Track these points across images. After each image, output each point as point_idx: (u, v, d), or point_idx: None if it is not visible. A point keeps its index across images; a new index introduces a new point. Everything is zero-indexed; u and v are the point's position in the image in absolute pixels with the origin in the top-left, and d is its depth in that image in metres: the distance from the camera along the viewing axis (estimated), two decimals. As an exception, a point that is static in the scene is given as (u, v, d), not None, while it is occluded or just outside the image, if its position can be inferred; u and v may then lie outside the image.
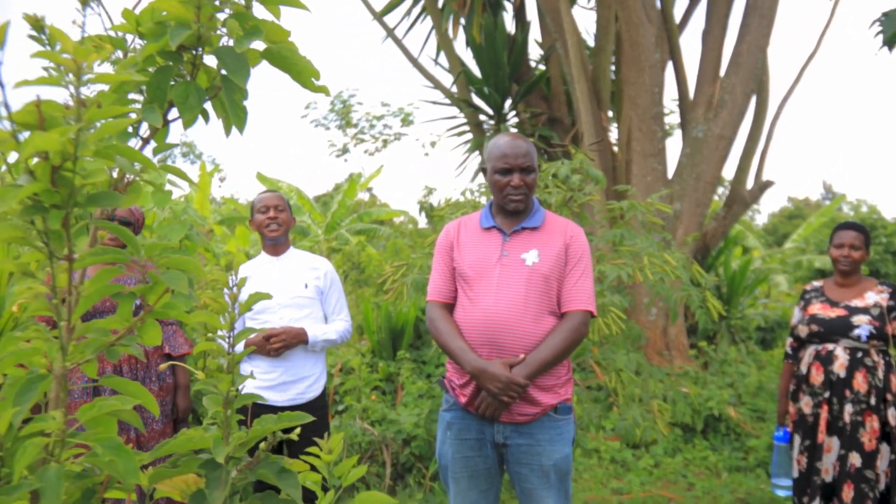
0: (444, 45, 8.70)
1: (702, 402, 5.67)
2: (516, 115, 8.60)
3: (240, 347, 3.08)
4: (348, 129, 17.65)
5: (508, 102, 8.50)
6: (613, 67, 8.00)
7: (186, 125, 1.32)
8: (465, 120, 8.75)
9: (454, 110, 8.82)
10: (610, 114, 7.91)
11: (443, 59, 9.17)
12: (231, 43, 1.30)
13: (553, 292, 2.58)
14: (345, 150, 17.96)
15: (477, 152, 8.65)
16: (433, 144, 17.83)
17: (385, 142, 16.90)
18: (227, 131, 1.38)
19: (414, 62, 8.63)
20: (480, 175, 8.59)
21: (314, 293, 3.29)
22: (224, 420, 1.36)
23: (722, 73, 7.02)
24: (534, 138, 8.36)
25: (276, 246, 3.35)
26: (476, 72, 8.45)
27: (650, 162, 6.88)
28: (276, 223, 3.30)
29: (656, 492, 4.72)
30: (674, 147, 39.34)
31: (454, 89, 8.77)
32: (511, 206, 2.63)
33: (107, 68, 1.21)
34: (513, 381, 2.42)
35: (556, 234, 2.65)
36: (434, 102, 8.95)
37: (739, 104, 6.90)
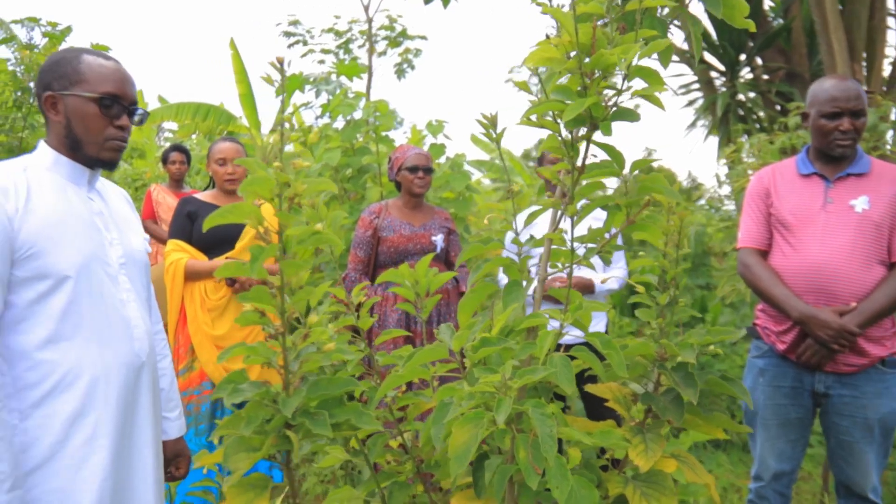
0: (676, -1, 8.40)
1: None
2: (751, 70, 8.15)
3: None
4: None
5: (742, 58, 8.08)
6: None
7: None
8: (694, 77, 8.44)
9: (682, 67, 8.52)
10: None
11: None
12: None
13: (884, 241, 2.48)
14: (544, 115, 17.96)
15: (708, 111, 8.31)
16: (637, 106, 17.39)
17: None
18: (698, 54, 1.44)
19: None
20: (713, 135, 8.27)
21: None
22: (659, 330, 1.46)
23: None
24: (771, 94, 7.92)
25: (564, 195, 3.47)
26: (708, 26, 8.09)
27: (916, 117, 6.27)
28: None
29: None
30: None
31: (684, 45, 8.46)
32: (838, 151, 2.54)
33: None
34: (845, 328, 2.37)
35: (887, 180, 2.54)
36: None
37: None
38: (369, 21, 8.36)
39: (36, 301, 1.49)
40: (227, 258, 3.25)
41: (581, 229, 3.49)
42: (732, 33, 7.77)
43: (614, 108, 1.13)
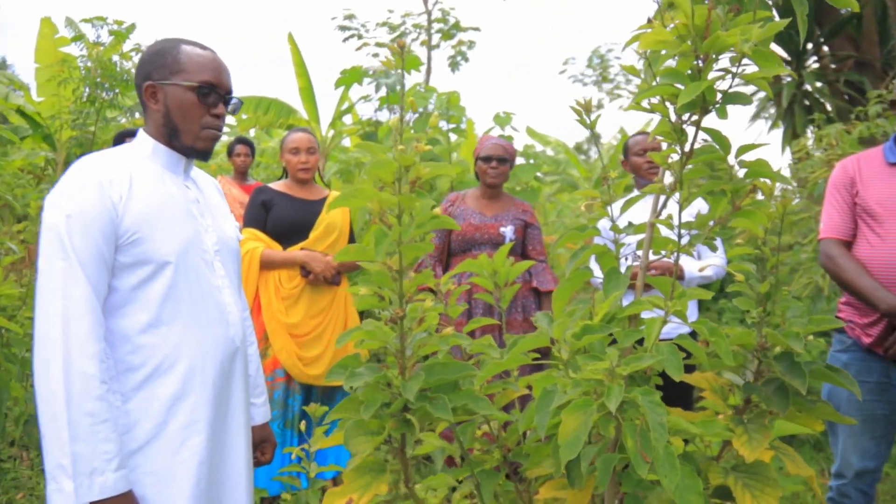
0: (740, -14, 8.19)
1: None
2: (818, 59, 7.92)
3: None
4: (604, 84, 17.48)
5: (809, 46, 7.85)
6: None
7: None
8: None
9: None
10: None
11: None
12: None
13: (978, 232, 2.39)
14: (599, 106, 17.78)
15: (771, 102, 8.10)
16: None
17: (644, 97, 16.44)
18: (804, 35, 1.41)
19: (702, 7, 8.22)
20: (779, 127, 8.07)
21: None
22: (760, 319, 1.43)
23: None
24: (840, 84, 7.68)
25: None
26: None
27: None
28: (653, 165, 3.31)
29: None
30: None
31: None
32: (931, 139, 2.46)
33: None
34: (937, 322, 2.29)
35: (981, 169, 2.45)
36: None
37: None
38: (428, 13, 8.38)
39: (137, 286, 1.52)
40: (301, 248, 3.31)
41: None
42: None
43: (726, 92, 1.11)
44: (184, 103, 1.61)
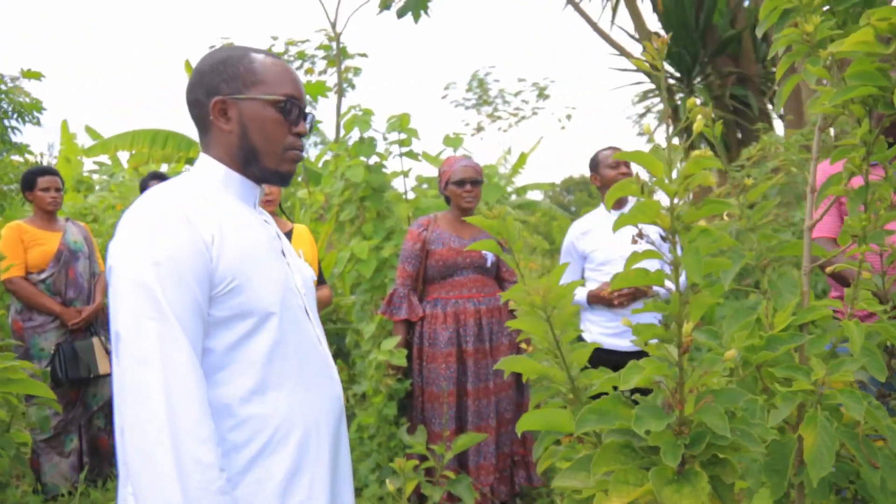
0: (631, 8, 8.58)
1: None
2: (704, 76, 8.45)
3: (581, 297, 3.20)
4: (484, 107, 17.83)
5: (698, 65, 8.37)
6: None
7: None
8: (651, 86, 8.68)
9: (638, 76, 8.75)
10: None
11: (622, 22, 9.09)
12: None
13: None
14: (479, 129, 18.13)
15: (666, 116, 8.55)
16: (569, 117, 17.75)
17: (522, 118, 17.00)
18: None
19: (595, 28, 8.59)
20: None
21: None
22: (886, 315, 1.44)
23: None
24: (725, 98, 8.21)
25: (620, 202, 3.31)
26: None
27: None
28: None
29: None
30: None
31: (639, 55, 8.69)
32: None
33: None
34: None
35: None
36: (622, 69, 8.90)
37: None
38: (337, 36, 8.22)
39: (236, 345, 1.25)
40: None
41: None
42: (687, 41, 8.04)
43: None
44: (264, 120, 1.33)
